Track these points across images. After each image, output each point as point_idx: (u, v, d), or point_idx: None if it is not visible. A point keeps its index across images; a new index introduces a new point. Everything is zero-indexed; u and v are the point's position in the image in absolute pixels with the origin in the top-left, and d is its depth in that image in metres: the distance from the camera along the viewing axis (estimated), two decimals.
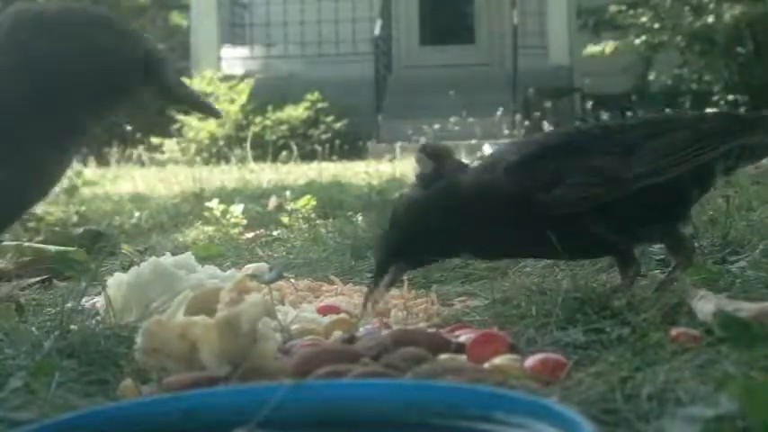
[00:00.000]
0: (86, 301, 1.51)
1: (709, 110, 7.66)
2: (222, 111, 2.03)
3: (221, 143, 9.01)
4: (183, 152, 9.17)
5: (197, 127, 9.55)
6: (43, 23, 1.28)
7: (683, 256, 1.34)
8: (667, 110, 7.23)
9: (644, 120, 1.41)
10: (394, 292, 1.53)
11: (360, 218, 2.67)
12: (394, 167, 5.57)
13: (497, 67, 10.10)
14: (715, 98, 8.80)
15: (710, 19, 8.98)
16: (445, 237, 1.34)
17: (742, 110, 8.05)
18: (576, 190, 1.29)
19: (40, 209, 3.51)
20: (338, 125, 9.39)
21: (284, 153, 8.28)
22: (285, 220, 2.74)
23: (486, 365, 1.03)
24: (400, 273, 1.38)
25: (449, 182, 1.35)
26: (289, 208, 2.80)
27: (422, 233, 1.33)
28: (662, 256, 1.61)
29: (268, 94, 9.48)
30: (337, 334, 1.24)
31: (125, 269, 1.57)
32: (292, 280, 1.64)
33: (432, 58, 10.36)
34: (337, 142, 8.81)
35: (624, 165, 1.30)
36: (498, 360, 1.04)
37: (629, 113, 7.50)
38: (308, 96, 9.53)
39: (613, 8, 9.63)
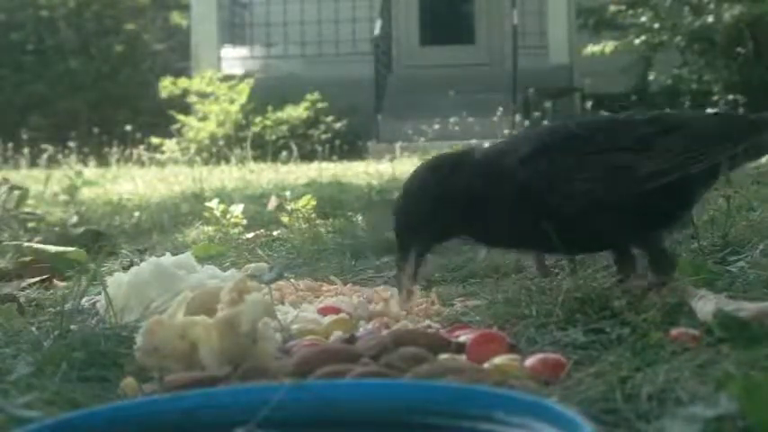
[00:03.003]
0: (86, 301, 1.51)
1: (709, 110, 7.64)
2: None
3: (221, 143, 9.00)
4: (183, 152, 9.16)
5: (197, 127, 9.54)
6: None
7: (663, 274, 1.33)
8: (667, 110, 7.22)
9: (652, 116, 1.40)
10: (394, 292, 1.53)
11: (360, 218, 2.67)
12: (394, 167, 5.57)
13: (497, 67, 10.09)
14: (715, 98, 8.80)
15: (710, 19, 8.97)
16: (451, 218, 1.33)
17: (741, 110, 8.06)
18: (589, 186, 1.28)
19: (40, 209, 3.52)
20: (338, 125, 9.39)
21: (284, 153, 8.28)
22: (285, 220, 2.74)
23: (486, 365, 1.03)
24: (420, 258, 1.36)
25: (459, 164, 1.35)
26: (289, 208, 2.79)
27: (428, 212, 1.33)
28: None
29: (268, 94, 9.47)
30: (337, 334, 1.24)
31: (125, 269, 1.57)
32: (292, 280, 1.65)
33: (432, 58, 10.35)
34: (337, 142, 8.81)
35: (640, 162, 1.30)
36: (498, 360, 1.04)
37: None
38: (308, 96, 9.53)
39: (613, 8, 9.63)
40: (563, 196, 1.28)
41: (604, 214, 1.29)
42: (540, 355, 1.04)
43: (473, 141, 7.73)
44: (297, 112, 9.46)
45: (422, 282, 1.49)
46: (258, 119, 9.37)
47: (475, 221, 1.33)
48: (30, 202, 3.35)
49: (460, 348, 1.11)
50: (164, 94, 10.00)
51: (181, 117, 9.64)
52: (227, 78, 9.83)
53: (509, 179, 1.30)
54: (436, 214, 1.33)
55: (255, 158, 8.04)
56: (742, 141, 1.34)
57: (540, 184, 1.29)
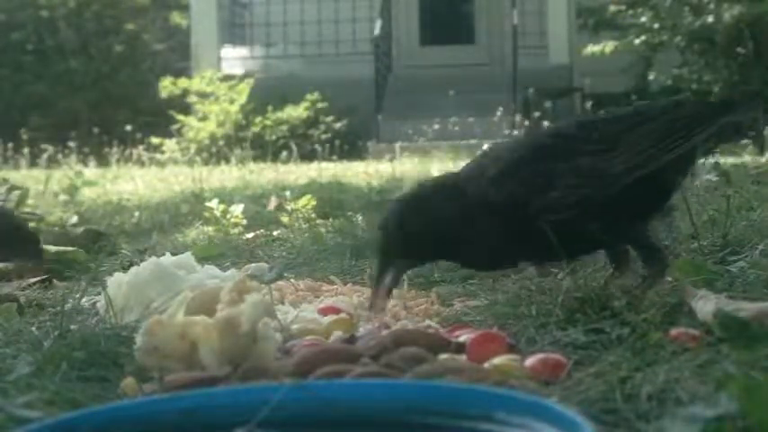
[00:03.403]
0: (86, 301, 1.51)
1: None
2: None
3: (221, 143, 9.00)
4: (183, 152, 9.16)
5: (197, 127, 9.54)
6: None
7: (657, 268, 1.33)
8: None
9: (619, 113, 1.39)
10: (394, 292, 1.54)
11: (360, 218, 2.67)
12: (394, 167, 5.56)
13: (497, 67, 10.09)
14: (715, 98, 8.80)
15: (710, 19, 8.97)
16: (434, 243, 1.34)
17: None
18: (569, 192, 1.28)
19: (40, 209, 3.52)
20: (338, 125, 9.39)
21: (284, 153, 8.28)
22: (285, 220, 2.74)
23: (486, 365, 1.03)
24: (399, 273, 1.37)
25: (437, 193, 1.35)
26: (289, 208, 2.80)
27: (411, 238, 1.34)
28: None
29: (268, 94, 9.47)
30: (337, 334, 1.24)
31: (125, 269, 1.57)
32: (292, 280, 1.65)
33: (432, 58, 10.35)
34: (337, 142, 8.81)
35: (611, 161, 1.30)
36: (498, 360, 1.04)
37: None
38: (308, 96, 9.53)
39: (613, 8, 9.62)
40: (538, 210, 1.28)
41: (584, 219, 1.29)
42: (540, 355, 1.04)
43: (473, 141, 7.74)
44: (297, 112, 9.46)
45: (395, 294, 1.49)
46: (258, 119, 9.37)
47: (458, 247, 1.34)
48: (30, 202, 3.35)
49: (460, 348, 1.11)
50: (164, 94, 10.00)
51: (181, 117, 9.64)
52: (227, 78, 9.84)
53: (482, 202, 1.30)
54: (415, 243, 1.34)
55: (255, 158, 8.05)
56: (708, 126, 1.34)
57: (512, 203, 1.29)
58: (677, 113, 1.35)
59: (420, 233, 1.33)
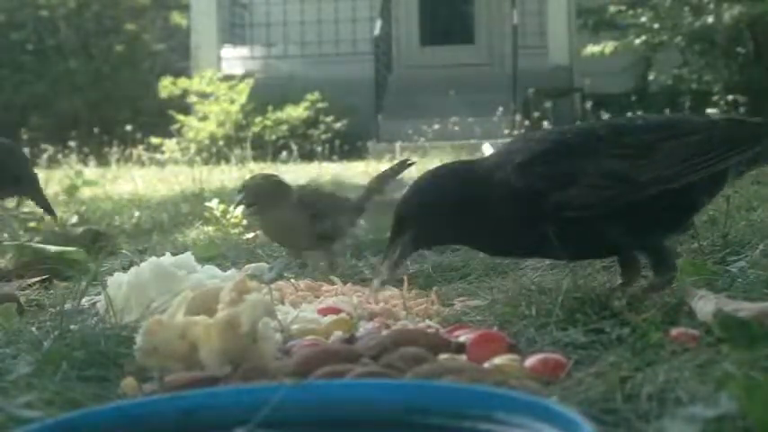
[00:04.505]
0: (86, 301, 1.51)
1: (709, 110, 7.65)
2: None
3: (221, 143, 9.00)
4: (183, 152, 9.16)
5: (197, 127, 9.54)
6: None
7: (664, 276, 1.32)
8: (667, 110, 7.22)
9: (656, 121, 1.38)
10: (394, 291, 1.54)
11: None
12: None
13: (497, 67, 10.10)
14: (715, 98, 8.79)
15: (710, 19, 8.97)
16: (451, 226, 1.33)
17: (742, 110, 8.06)
18: (590, 191, 1.27)
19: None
20: (338, 125, 9.39)
21: (284, 153, 8.28)
22: None
23: (486, 365, 1.03)
24: (408, 252, 1.36)
25: (458, 173, 1.34)
26: None
27: (428, 218, 1.32)
28: None
29: (268, 94, 9.47)
30: (337, 334, 1.24)
31: (125, 269, 1.57)
32: (292, 280, 1.65)
33: (432, 58, 10.35)
34: (337, 142, 8.81)
35: (639, 168, 1.28)
36: (498, 360, 1.04)
37: (629, 113, 7.45)
38: (308, 96, 9.53)
39: (613, 8, 9.62)
40: (558, 204, 1.27)
41: (601, 221, 1.28)
42: (540, 355, 1.04)
43: (473, 141, 7.74)
44: (297, 112, 9.46)
45: (398, 276, 1.49)
46: (258, 119, 9.36)
47: (476, 230, 1.33)
48: (30, 202, 3.34)
49: (460, 348, 1.11)
50: (164, 94, 10.00)
51: (181, 117, 9.63)
52: (227, 78, 9.83)
53: (505, 188, 1.29)
54: (439, 219, 1.32)
55: (255, 158, 8.04)
56: (749, 148, 1.32)
57: (535, 192, 1.28)
58: (713, 133, 1.32)
59: (436, 213, 1.32)
